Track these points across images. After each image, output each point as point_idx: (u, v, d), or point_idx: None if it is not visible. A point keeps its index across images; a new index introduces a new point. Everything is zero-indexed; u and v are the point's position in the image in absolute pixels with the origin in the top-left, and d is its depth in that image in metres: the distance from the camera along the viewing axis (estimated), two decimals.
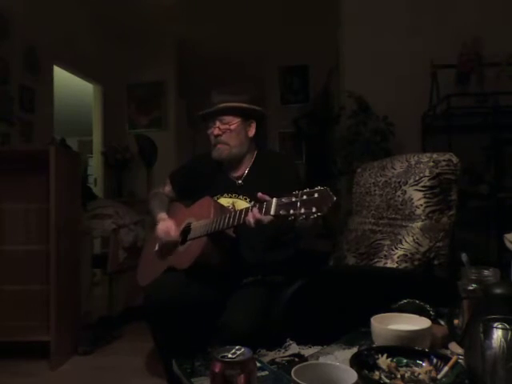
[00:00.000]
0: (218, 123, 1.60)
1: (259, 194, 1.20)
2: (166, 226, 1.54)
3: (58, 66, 4.04)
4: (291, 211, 1.07)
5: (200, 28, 5.02)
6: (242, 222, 1.26)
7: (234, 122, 1.59)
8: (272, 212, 1.12)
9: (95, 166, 5.16)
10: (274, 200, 1.13)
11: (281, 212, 1.09)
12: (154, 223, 1.63)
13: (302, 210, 1.04)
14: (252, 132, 1.64)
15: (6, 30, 3.27)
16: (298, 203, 1.06)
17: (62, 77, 4.27)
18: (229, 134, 1.59)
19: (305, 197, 1.06)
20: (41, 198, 2.33)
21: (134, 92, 5.37)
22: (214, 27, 4.99)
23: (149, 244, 1.75)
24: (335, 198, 1.03)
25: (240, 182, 1.62)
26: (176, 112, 5.45)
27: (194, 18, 4.82)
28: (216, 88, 1.65)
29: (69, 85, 4.90)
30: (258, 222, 1.19)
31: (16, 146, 3.10)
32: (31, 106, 3.58)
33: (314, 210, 1.03)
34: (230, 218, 1.31)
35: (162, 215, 1.62)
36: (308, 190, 1.07)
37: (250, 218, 1.21)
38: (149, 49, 5.23)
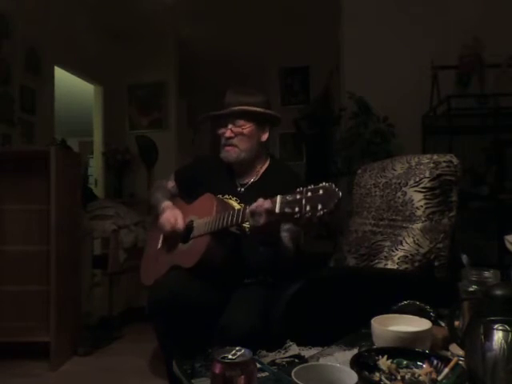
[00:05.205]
0: (230, 125, 1.55)
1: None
2: (173, 215, 1.51)
3: (58, 66, 4.04)
4: (296, 209, 1.04)
5: (200, 28, 5.03)
6: (245, 217, 1.23)
7: (248, 126, 1.55)
8: (277, 210, 1.09)
9: (96, 167, 5.17)
10: (279, 197, 1.11)
11: (286, 210, 1.06)
12: (156, 214, 1.61)
13: (308, 208, 1.01)
14: (265, 137, 1.60)
15: (7, 30, 3.27)
16: (303, 200, 1.03)
17: (62, 77, 4.27)
18: (241, 137, 1.54)
19: (309, 193, 1.03)
20: (41, 198, 2.34)
21: (134, 93, 5.36)
22: (215, 28, 5.00)
23: (150, 242, 1.74)
24: (341, 194, 1.00)
25: (242, 189, 1.59)
26: (176, 113, 5.45)
27: (194, 19, 4.82)
28: (231, 88, 1.61)
29: (69, 85, 4.91)
30: (267, 212, 1.14)
31: (17, 147, 3.10)
32: (32, 106, 3.58)
33: (319, 207, 1.00)
34: (233, 214, 1.30)
35: (168, 203, 1.60)
36: (312, 186, 1.04)
37: (257, 209, 1.17)
38: (149, 49, 5.23)
